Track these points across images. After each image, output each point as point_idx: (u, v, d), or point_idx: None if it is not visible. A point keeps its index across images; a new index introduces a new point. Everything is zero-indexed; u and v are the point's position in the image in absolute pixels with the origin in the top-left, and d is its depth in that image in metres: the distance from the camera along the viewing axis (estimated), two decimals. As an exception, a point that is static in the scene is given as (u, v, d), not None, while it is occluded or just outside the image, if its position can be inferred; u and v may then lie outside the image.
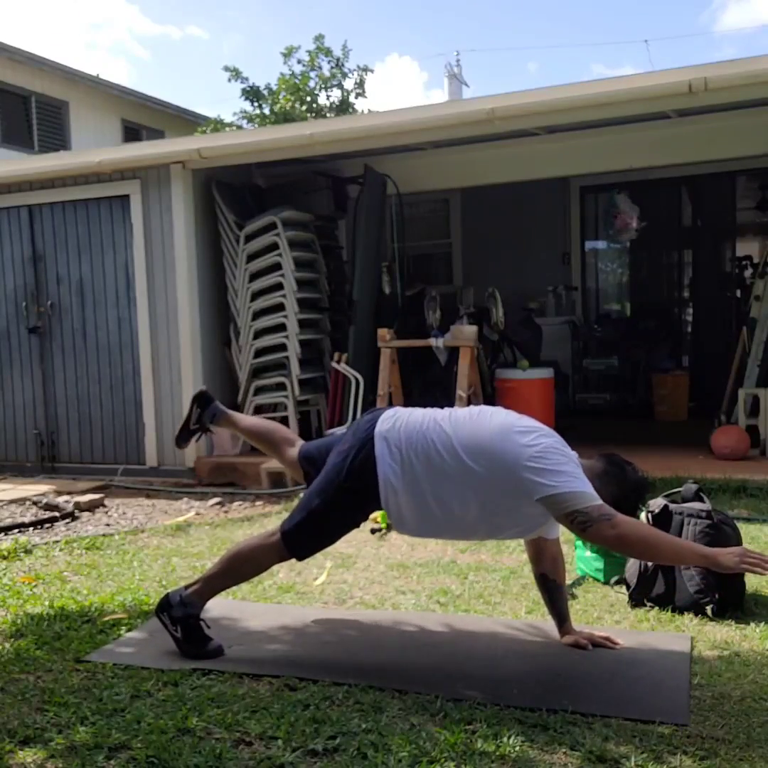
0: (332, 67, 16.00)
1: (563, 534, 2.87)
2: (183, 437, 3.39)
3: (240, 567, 2.93)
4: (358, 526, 2.93)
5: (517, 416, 2.73)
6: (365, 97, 16.37)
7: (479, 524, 2.69)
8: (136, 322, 6.61)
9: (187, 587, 2.95)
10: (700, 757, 2.13)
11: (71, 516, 5.44)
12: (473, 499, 2.60)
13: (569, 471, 2.50)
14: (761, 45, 34.15)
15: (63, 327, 6.90)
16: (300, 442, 3.19)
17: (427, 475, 2.64)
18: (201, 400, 3.37)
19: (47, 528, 5.16)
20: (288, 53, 15.93)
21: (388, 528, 4.57)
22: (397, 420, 2.77)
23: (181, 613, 2.88)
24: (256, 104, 15.82)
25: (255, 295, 6.58)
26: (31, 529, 5.11)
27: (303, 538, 2.82)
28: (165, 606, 2.92)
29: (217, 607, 3.15)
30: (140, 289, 6.57)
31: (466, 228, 9.55)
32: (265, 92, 15.75)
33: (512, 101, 5.58)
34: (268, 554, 2.87)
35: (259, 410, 6.74)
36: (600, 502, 2.46)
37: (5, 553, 4.39)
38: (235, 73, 15.68)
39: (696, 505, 3.27)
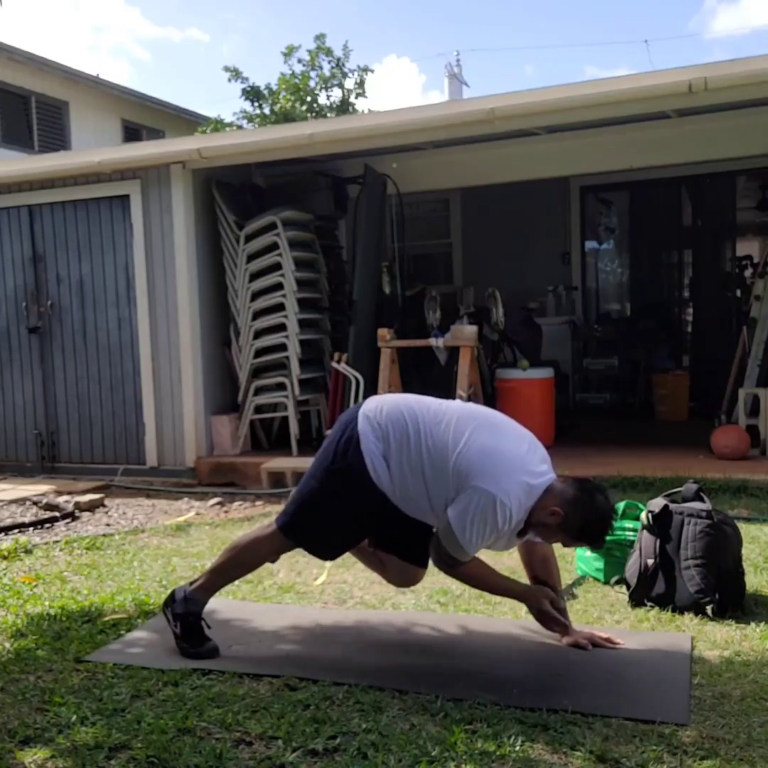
0: (333, 67, 15.99)
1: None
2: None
3: (240, 560, 2.95)
4: (359, 521, 2.86)
5: (537, 451, 2.78)
6: (365, 97, 16.37)
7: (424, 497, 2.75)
8: (136, 322, 6.62)
9: (191, 583, 2.96)
10: (700, 757, 2.12)
11: (71, 516, 5.44)
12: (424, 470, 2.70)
13: (477, 527, 2.59)
14: (752, 49, 34.04)
15: (63, 327, 6.90)
16: None
17: (401, 451, 2.71)
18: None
19: (47, 528, 5.16)
20: (288, 52, 15.91)
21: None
22: (382, 401, 2.87)
23: (181, 610, 2.89)
24: (256, 104, 15.80)
25: (255, 295, 6.58)
26: (31, 529, 5.11)
27: (298, 525, 2.83)
28: (170, 601, 2.95)
29: (217, 606, 3.15)
30: (140, 289, 6.57)
31: (466, 228, 9.56)
32: (265, 92, 15.72)
33: (512, 101, 5.59)
34: (266, 544, 2.89)
35: (259, 410, 6.75)
36: (462, 556, 2.67)
37: (5, 553, 4.39)
38: (235, 74, 15.65)
39: (696, 505, 3.27)
